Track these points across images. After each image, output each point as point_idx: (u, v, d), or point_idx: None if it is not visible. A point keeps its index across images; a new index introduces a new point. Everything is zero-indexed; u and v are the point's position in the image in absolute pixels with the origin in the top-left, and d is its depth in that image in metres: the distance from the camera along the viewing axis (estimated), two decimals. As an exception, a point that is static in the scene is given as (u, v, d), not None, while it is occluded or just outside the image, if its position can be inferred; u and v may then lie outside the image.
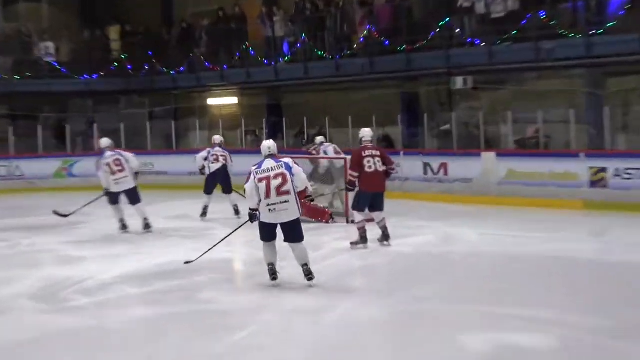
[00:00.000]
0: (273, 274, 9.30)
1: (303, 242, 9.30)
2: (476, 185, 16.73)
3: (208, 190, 15.34)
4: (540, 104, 18.04)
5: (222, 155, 15.43)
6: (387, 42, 19.36)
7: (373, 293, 9.08)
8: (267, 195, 9.10)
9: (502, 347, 6.87)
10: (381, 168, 11.72)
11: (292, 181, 9.20)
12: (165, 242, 12.93)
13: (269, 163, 9.32)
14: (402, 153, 18.05)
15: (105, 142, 14.33)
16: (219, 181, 15.39)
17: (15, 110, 25.00)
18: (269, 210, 9.15)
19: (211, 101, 25.53)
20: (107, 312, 8.38)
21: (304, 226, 9.41)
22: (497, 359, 6.67)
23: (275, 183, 9.13)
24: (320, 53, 20.84)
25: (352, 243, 11.73)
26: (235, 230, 11.07)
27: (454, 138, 18.67)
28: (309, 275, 9.16)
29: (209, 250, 10.79)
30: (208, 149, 15.60)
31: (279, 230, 9.31)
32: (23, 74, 23.98)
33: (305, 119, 21.24)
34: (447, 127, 19.37)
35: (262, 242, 9.39)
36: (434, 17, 18.60)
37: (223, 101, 25.26)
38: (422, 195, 17.18)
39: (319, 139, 16.56)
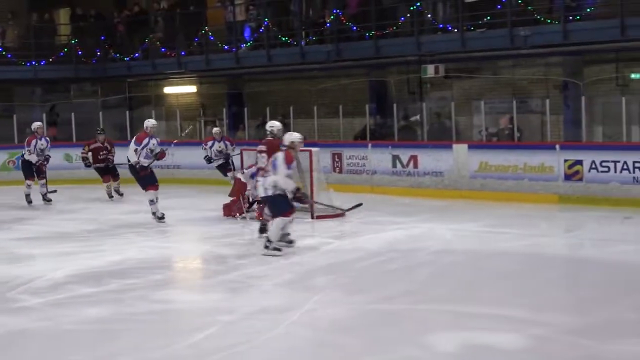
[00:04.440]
0: None
1: None
2: (447, 179, 16.92)
3: None
4: (515, 93, 18.31)
5: None
6: (355, 27, 19.50)
7: (339, 292, 9.21)
8: None
9: (472, 347, 7.03)
10: None
11: None
12: (117, 239, 12.99)
13: None
14: (370, 145, 18.22)
15: None
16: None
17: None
18: None
19: (168, 90, 25.51)
20: (59, 312, 8.42)
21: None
22: (465, 359, 6.84)
23: None
24: (284, 39, 20.93)
25: None
26: None
27: (424, 129, 18.87)
28: None
29: None
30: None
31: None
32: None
33: (268, 108, 21.30)
34: (417, 117, 19.54)
35: None
36: (403, 2, 18.75)
37: (181, 90, 25.25)
38: (391, 190, 17.36)
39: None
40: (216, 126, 19.60)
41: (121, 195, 18.08)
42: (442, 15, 18.61)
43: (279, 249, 11.01)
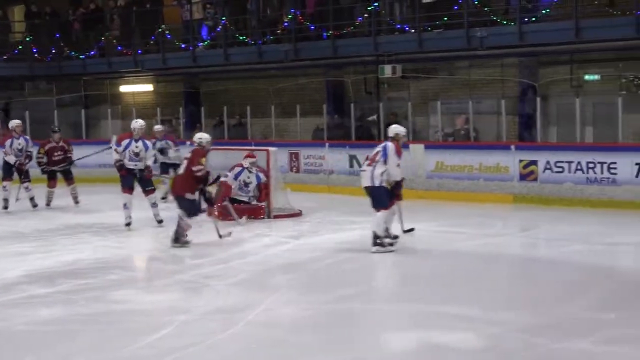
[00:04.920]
0: None
1: None
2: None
3: None
4: (471, 94, 18.44)
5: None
6: (312, 27, 19.51)
7: (295, 291, 9.24)
8: None
9: (427, 345, 7.08)
10: None
11: None
12: (73, 239, 12.88)
13: None
14: (327, 145, 18.24)
15: None
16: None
17: None
18: None
19: (124, 88, 25.33)
20: (12, 312, 8.33)
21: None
22: (421, 358, 6.89)
23: None
24: (241, 38, 20.87)
25: None
26: None
27: (382, 129, 18.93)
28: None
29: None
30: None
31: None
32: None
33: (225, 108, 21.27)
34: (374, 117, 19.60)
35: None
36: (361, 2, 18.80)
37: (137, 88, 25.08)
38: (348, 189, 17.35)
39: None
40: (158, 124, 19.08)
41: (77, 203, 16.96)
42: (400, 15, 18.67)
43: (392, 244, 11.08)
